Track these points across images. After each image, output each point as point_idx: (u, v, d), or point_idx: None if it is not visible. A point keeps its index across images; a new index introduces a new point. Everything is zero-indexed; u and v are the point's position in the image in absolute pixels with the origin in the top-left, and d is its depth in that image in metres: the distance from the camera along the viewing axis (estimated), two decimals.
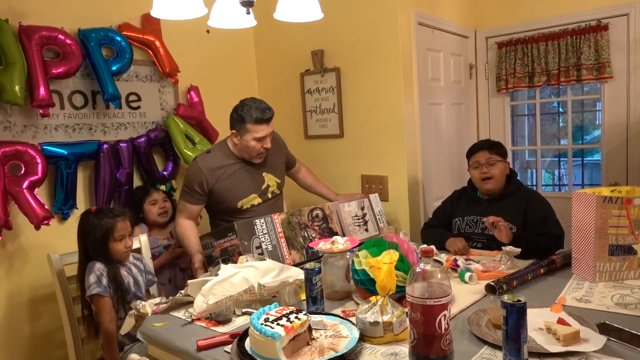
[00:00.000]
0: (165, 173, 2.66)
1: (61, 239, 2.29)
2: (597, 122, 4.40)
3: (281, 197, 2.45)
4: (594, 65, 2.91)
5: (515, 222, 2.10)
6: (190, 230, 2.22)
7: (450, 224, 2.31)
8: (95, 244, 1.89)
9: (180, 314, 1.59)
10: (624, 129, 2.91)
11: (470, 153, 2.30)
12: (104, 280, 1.85)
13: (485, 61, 3.35)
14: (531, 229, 2.08)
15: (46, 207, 2.13)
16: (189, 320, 1.52)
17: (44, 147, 2.20)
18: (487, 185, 2.21)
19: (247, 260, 1.74)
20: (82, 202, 2.39)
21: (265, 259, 1.77)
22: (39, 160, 2.11)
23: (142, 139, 2.54)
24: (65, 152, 2.25)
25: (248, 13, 1.57)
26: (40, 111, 2.15)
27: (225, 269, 1.62)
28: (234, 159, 2.25)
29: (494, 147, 2.25)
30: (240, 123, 2.16)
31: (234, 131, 2.21)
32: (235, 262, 1.80)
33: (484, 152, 2.23)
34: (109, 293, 1.86)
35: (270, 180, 2.33)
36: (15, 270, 2.20)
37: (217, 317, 1.49)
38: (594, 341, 1.19)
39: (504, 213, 2.13)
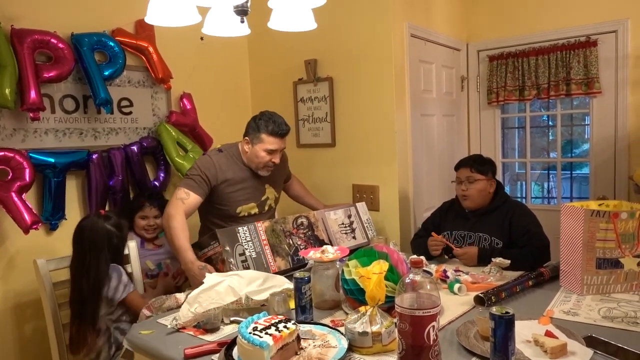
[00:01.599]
0: (156, 183, 2.65)
1: (49, 249, 2.26)
2: (586, 136, 4.46)
3: (274, 211, 2.45)
4: (583, 80, 2.96)
5: (502, 236, 2.12)
6: (183, 231, 1.99)
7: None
8: (119, 243, 1.99)
9: (167, 322, 1.58)
10: (611, 143, 2.95)
11: (456, 168, 2.30)
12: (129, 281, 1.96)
13: (477, 74, 3.39)
14: (515, 241, 2.09)
15: (34, 211, 2.10)
16: (175, 328, 1.51)
17: (31, 154, 2.16)
18: (465, 203, 2.23)
19: (232, 268, 1.73)
20: (75, 211, 2.37)
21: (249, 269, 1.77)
22: (26, 166, 2.09)
23: (135, 146, 2.53)
24: (53, 160, 2.22)
25: (242, 22, 1.57)
26: (31, 115, 2.13)
27: (210, 278, 1.62)
28: (242, 165, 2.25)
29: (477, 164, 2.21)
30: (255, 132, 2.17)
31: (247, 138, 2.21)
32: (220, 270, 1.79)
33: (466, 169, 2.22)
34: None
35: (270, 193, 2.35)
36: (0, 276, 2.16)
37: (205, 325, 1.48)
38: (580, 354, 1.20)
39: (491, 227, 2.16)
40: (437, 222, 2.36)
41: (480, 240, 2.16)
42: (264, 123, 2.17)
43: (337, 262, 1.69)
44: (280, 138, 2.18)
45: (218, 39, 1.87)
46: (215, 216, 2.25)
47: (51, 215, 2.26)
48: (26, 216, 2.05)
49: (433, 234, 2.21)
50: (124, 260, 2.05)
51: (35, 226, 2.08)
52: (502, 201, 2.21)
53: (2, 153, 2.05)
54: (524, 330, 1.30)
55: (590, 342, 1.27)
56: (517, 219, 2.12)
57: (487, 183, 2.20)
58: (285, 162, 2.49)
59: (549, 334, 1.28)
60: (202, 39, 2.73)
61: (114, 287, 1.90)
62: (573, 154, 4.90)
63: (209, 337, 1.43)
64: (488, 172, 2.21)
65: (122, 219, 2.07)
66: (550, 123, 4.41)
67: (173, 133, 2.64)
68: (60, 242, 2.31)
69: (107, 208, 2.46)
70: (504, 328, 1.08)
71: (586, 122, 4.18)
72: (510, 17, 3.21)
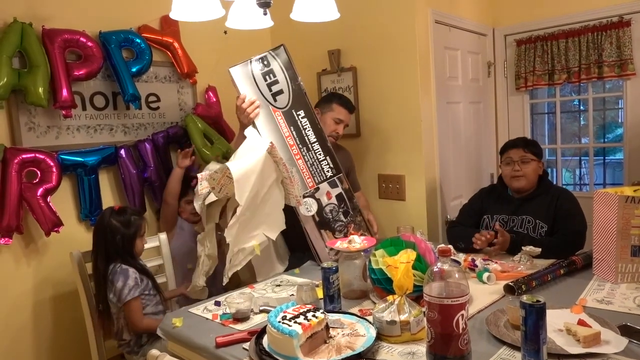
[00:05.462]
0: None
1: (89, 243, 2.30)
2: (620, 120, 4.32)
3: None
4: (615, 62, 2.85)
5: (547, 220, 2.10)
6: None
7: (479, 221, 2.27)
8: (124, 240, 1.97)
9: (200, 311, 1.62)
10: None
11: (504, 149, 2.28)
12: (140, 283, 1.95)
13: (504, 59, 3.31)
14: (556, 224, 2.08)
15: (57, 214, 2.15)
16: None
17: (61, 155, 2.22)
18: (516, 183, 2.18)
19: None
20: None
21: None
22: (54, 169, 2.15)
23: (161, 134, 2.58)
24: (82, 159, 2.28)
25: (265, 14, 1.58)
26: (63, 112, 2.19)
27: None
28: None
29: (529, 146, 2.23)
30: (328, 102, 2.40)
31: (317, 109, 2.35)
32: None
33: (519, 149, 2.21)
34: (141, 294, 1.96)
35: None
36: (39, 269, 2.25)
37: (236, 314, 1.51)
38: (615, 343, 1.17)
39: (535, 211, 2.13)
40: (477, 207, 2.32)
41: (523, 223, 2.14)
42: (337, 96, 2.44)
43: (362, 253, 1.69)
44: (349, 111, 2.40)
45: (241, 32, 1.88)
46: None
47: (89, 212, 2.32)
48: (49, 218, 2.11)
49: (483, 233, 2.07)
50: (133, 252, 2.02)
51: (56, 229, 2.14)
52: (548, 186, 2.20)
53: (33, 155, 2.11)
54: (556, 319, 1.28)
55: (625, 330, 1.24)
56: (562, 202, 2.11)
57: (538, 165, 2.20)
58: (350, 160, 2.55)
59: (581, 322, 1.25)
60: (225, 32, 2.76)
61: (119, 289, 1.90)
62: (606, 139, 4.76)
63: (240, 326, 1.46)
64: (540, 155, 2.23)
65: (137, 216, 2.03)
66: (581, 108, 4.29)
67: (199, 125, 2.67)
68: None
69: (145, 200, 2.53)
70: (535, 317, 1.07)
71: (620, 106, 4.05)
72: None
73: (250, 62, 2.02)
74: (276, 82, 2.02)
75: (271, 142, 1.87)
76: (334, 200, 2.08)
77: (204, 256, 2.00)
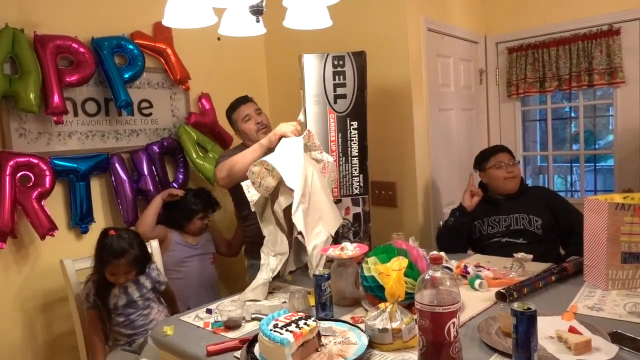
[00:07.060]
0: (175, 185, 2.67)
1: (81, 252, 2.24)
2: (610, 127, 4.36)
3: None
4: (605, 70, 2.89)
5: (540, 215, 2.23)
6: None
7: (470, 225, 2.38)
8: (96, 265, 1.99)
9: (191, 319, 1.61)
10: (637, 134, 2.88)
11: (490, 154, 2.42)
12: (91, 298, 1.97)
13: (496, 66, 3.34)
14: (560, 220, 2.23)
15: (52, 218, 2.14)
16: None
17: (54, 160, 2.21)
18: (512, 184, 2.32)
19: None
20: (103, 214, 2.45)
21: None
22: (48, 173, 2.14)
23: (156, 145, 2.57)
24: (75, 165, 2.27)
25: (258, 21, 1.59)
26: (54, 118, 2.18)
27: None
28: None
29: (510, 151, 2.43)
30: (230, 120, 2.37)
31: (236, 133, 2.39)
32: None
33: (505, 153, 2.38)
34: (97, 308, 1.98)
35: None
36: (30, 276, 2.22)
37: (227, 322, 1.50)
38: (605, 350, 1.18)
39: (526, 208, 2.27)
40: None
41: (517, 221, 2.25)
42: (228, 108, 2.37)
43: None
44: (244, 104, 2.32)
45: (234, 38, 1.88)
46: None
47: (80, 219, 2.30)
48: (44, 222, 2.10)
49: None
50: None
51: (51, 232, 2.13)
52: (526, 187, 2.43)
53: (26, 159, 2.10)
54: (547, 326, 1.29)
55: (616, 337, 1.24)
56: (552, 200, 2.30)
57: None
58: None
59: (572, 329, 1.26)
60: (219, 39, 2.76)
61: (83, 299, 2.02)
62: (597, 146, 4.79)
63: (231, 334, 1.46)
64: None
65: (113, 258, 1.91)
66: (572, 115, 4.32)
67: (193, 134, 2.67)
68: (92, 246, 2.34)
69: (138, 210, 2.49)
70: (526, 324, 1.07)
71: (610, 113, 4.08)
72: (529, 8, 3.15)
73: (327, 56, 2.04)
74: (343, 85, 2.03)
75: (308, 130, 1.85)
76: (350, 217, 2.10)
77: (267, 256, 1.81)
